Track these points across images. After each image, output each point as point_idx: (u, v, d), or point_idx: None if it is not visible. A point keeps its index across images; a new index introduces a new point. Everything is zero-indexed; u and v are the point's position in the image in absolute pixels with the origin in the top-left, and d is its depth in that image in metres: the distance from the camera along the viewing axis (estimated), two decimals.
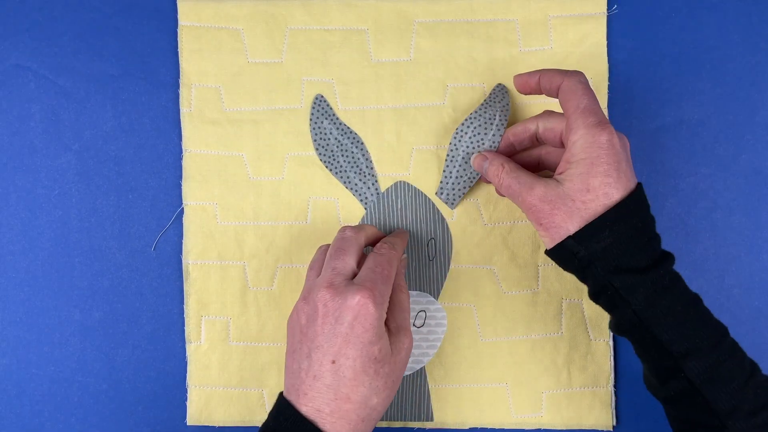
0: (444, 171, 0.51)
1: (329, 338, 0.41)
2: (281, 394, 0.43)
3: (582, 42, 0.52)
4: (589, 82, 0.52)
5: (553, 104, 0.49)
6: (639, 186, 0.42)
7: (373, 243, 0.49)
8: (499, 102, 0.50)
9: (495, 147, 0.50)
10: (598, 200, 0.40)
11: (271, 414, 0.43)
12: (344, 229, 0.47)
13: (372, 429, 0.42)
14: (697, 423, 0.41)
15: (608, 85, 0.52)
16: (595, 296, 0.43)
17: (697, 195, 0.53)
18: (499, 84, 0.51)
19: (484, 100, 0.51)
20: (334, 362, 0.41)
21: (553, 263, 0.51)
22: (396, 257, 0.46)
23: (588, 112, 0.41)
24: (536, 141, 0.48)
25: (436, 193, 0.52)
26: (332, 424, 0.40)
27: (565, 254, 0.42)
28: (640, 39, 0.53)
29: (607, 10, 0.52)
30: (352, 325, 0.41)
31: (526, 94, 0.48)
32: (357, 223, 0.52)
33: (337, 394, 0.40)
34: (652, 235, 0.41)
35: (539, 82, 0.45)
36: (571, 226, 0.41)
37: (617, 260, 0.40)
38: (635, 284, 0.40)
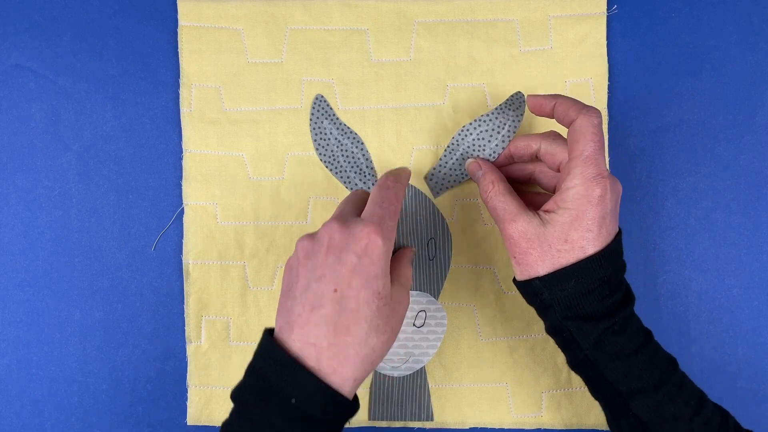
0: (440, 159, 0.51)
1: (333, 268, 0.39)
2: (267, 332, 0.41)
3: (582, 42, 0.52)
4: (590, 83, 0.52)
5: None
6: (617, 236, 0.42)
7: None
8: (513, 111, 0.50)
9: (496, 155, 0.50)
10: (572, 252, 0.41)
11: (257, 356, 0.40)
12: (356, 190, 0.47)
13: (366, 376, 0.40)
14: None
15: (608, 85, 0.52)
16: (550, 333, 0.44)
17: (697, 195, 0.53)
18: (519, 92, 0.51)
19: (500, 105, 0.51)
20: (336, 291, 0.39)
21: None
22: (402, 189, 0.45)
23: (589, 162, 0.41)
24: (536, 158, 0.48)
25: (424, 177, 0.52)
26: (328, 360, 0.38)
27: (529, 292, 0.43)
28: (640, 39, 0.53)
29: (607, 10, 0.52)
30: (360, 256, 0.39)
31: (538, 116, 0.47)
32: None
33: (337, 326, 0.38)
34: (615, 286, 0.42)
35: (554, 108, 0.45)
36: (541, 269, 0.42)
37: (576, 309, 0.41)
38: (588, 330, 0.41)
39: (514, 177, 0.50)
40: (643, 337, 0.42)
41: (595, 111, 0.42)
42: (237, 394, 0.40)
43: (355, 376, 0.39)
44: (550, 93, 0.47)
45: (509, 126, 0.50)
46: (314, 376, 0.37)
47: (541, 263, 0.42)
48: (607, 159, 0.52)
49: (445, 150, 0.51)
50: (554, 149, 0.45)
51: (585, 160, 0.41)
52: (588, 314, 0.41)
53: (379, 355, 0.40)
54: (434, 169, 0.52)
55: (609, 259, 0.41)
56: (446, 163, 0.51)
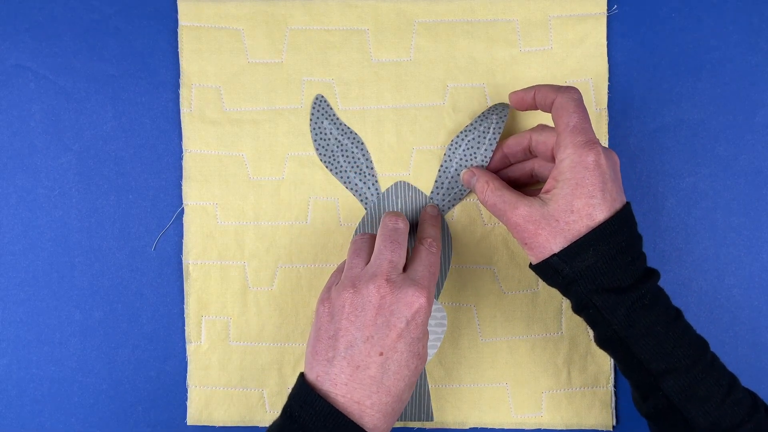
0: (435, 182, 0.52)
1: (381, 330, 0.41)
2: (304, 380, 0.42)
3: (582, 42, 0.52)
4: (590, 83, 0.52)
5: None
6: (626, 206, 0.42)
7: None
8: (495, 115, 0.51)
9: (486, 161, 0.50)
10: (581, 221, 0.41)
11: (295, 401, 0.41)
12: (396, 219, 0.46)
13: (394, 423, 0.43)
14: None
15: (608, 85, 0.52)
16: (577, 311, 0.43)
17: (697, 195, 0.53)
18: (502, 103, 0.51)
19: (481, 113, 0.51)
20: (382, 354, 0.41)
21: None
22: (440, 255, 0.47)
23: (577, 131, 0.42)
24: (529, 153, 0.48)
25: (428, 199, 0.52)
26: (371, 416, 0.41)
27: (549, 271, 0.43)
28: (640, 39, 0.53)
29: (607, 10, 0.52)
30: (408, 322, 0.41)
31: (522, 110, 0.48)
32: (358, 223, 0.52)
33: (379, 386, 0.41)
34: (636, 254, 0.42)
35: (534, 97, 0.46)
36: (555, 246, 0.41)
37: (599, 280, 0.41)
38: (615, 304, 0.41)
39: (515, 178, 0.50)
40: (674, 314, 0.41)
41: (573, 88, 0.43)
42: None
43: (388, 428, 0.42)
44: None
45: (493, 129, 0.50)
46: (359, 429, 0.40)
47: (553, 240, 0.41)
48: None
49: (439, 168, 0.52)
50: (544, 137, 0.46)
51: (572, 129, 0.42)
52: (614, 286, 0.41)
53: (404, 406, 0.44)
54: (433, 191, 0.52)
55: (622, 225, 0.41)
56: (443, 182, 0.52)
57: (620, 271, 0.41)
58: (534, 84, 0.52)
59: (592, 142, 0.41)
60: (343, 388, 0.41)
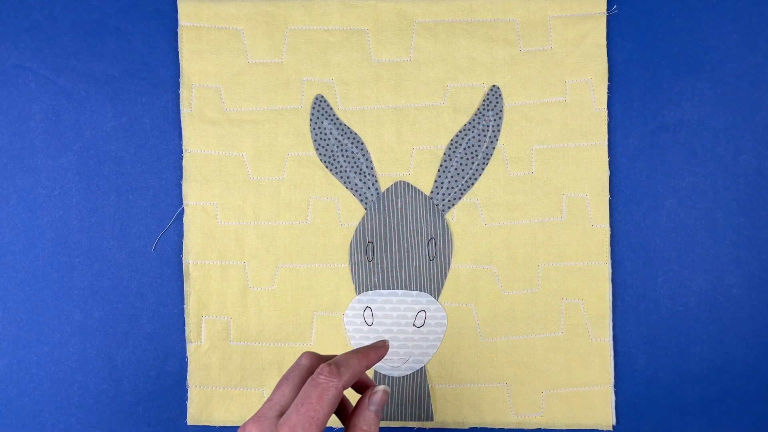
0: (435, 181, 0.52)
1: None
2: None
3: (582, 42, 0.52)
4: (589, 83, 0.52)
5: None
6: None
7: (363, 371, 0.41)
8: (491, 112, 0.51)
9: (490, 155, 0.51)
10: None
11: None
12: (302, 356, 0.41)
13: None
14: None
15: (608, 85, 0.52)
16: None
17: (697, 195, 0.53)
18: (493, 86, 0.52)
19: (478, 109, 0.52)
20: None
21: (554, 262, 0.52)
22: (336, 387, 0.38)
23: None
24: None
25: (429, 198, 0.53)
26: None
27: None
28: (640, 39, 0.53)
29: (607, 10, 0.52)
30: None
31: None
32: (358, 223, 0.52)
33: None
34: None
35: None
36: None
37: None
38: None
39: None
40: None
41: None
42: None
43: None
44: (547, 96, 0.49)
45: (492, 126, 0.51)
46: None
47: None
48: (607, 159, 0.52)
49: (439, 168, 0.52)
50: None
51: None
52: None
53: None
54: (433, 190, 0.52)
55: None
56: (443, 181, 0.52)
57: None
58: (533, 84, 0.52)
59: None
60: None
